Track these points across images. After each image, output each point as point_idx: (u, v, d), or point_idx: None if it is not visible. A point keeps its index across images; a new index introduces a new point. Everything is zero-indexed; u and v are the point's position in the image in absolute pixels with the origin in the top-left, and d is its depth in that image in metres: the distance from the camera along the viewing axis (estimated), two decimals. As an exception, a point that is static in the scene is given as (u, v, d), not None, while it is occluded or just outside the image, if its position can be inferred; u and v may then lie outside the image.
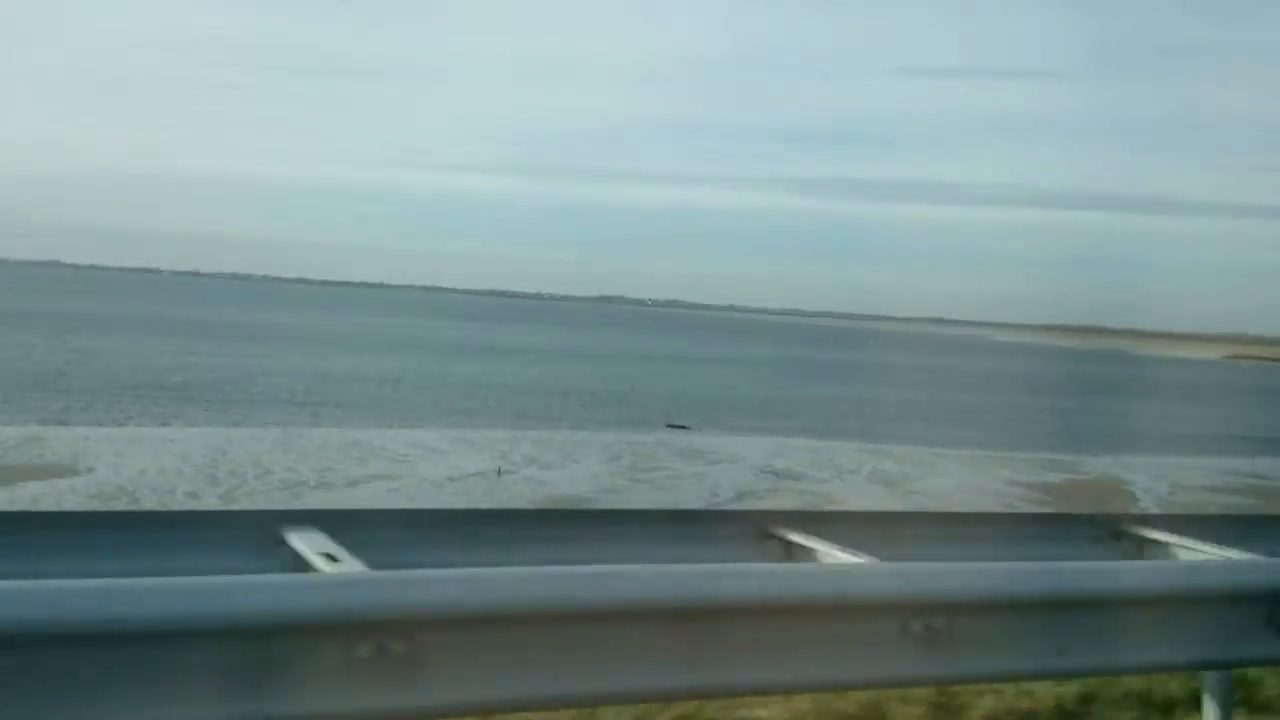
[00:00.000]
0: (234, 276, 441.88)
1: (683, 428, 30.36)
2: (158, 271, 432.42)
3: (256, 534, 3.66)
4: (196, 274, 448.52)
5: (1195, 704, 4.74)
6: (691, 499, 18.57)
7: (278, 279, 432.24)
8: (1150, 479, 23.67)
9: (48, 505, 15.35)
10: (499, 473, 20.35)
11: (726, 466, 22.82)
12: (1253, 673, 5.14)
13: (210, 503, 16.31)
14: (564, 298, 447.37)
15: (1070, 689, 5.13)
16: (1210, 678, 4.52)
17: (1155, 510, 19.56)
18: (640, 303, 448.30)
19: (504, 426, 28.61)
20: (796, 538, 4.18)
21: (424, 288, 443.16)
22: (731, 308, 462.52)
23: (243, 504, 15.68)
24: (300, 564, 3.42)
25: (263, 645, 2.75)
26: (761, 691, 3.98)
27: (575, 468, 21.79)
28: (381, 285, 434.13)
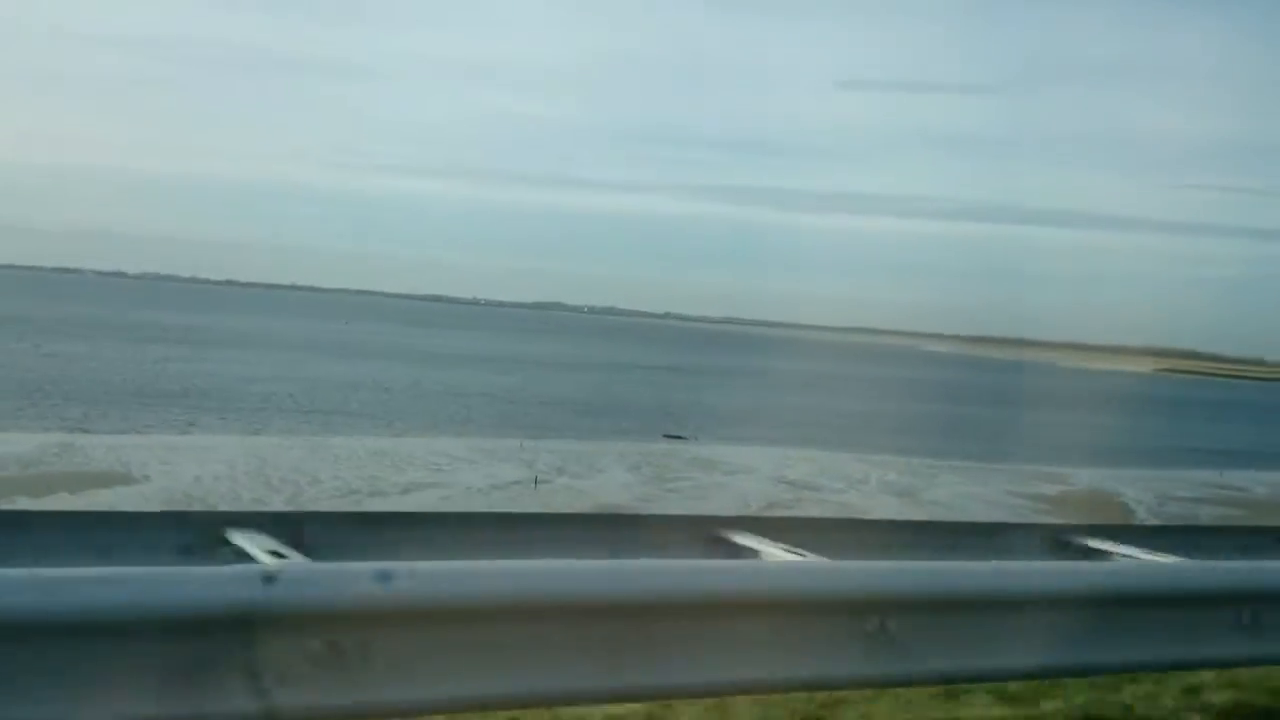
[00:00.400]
0: (159, 277, 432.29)
1: (679, 438, 31.23)
2: (79, 271, 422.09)
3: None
4: (120, 274, 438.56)
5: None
6: (728, 507, 19.43)
7: (206, 280, 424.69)
8: (1139, 491, 25.08)
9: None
10: (535, 482, 21.06)
11: (743, 477, 23.76)
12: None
13: (277, 507, 16.82)
14: (500, 303, 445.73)
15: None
16: None
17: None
18: (577, 309, 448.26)
19: (509, 435, 29.19)
20: (1094, 543, 5.10)
21: (359, 291, 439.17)
22: (668, 315, 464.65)
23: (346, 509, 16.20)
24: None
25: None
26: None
27: (602, 477, 22.56)
28: (314, 289, 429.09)
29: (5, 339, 47.84)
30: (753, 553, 4.20)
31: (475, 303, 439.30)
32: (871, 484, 23.85)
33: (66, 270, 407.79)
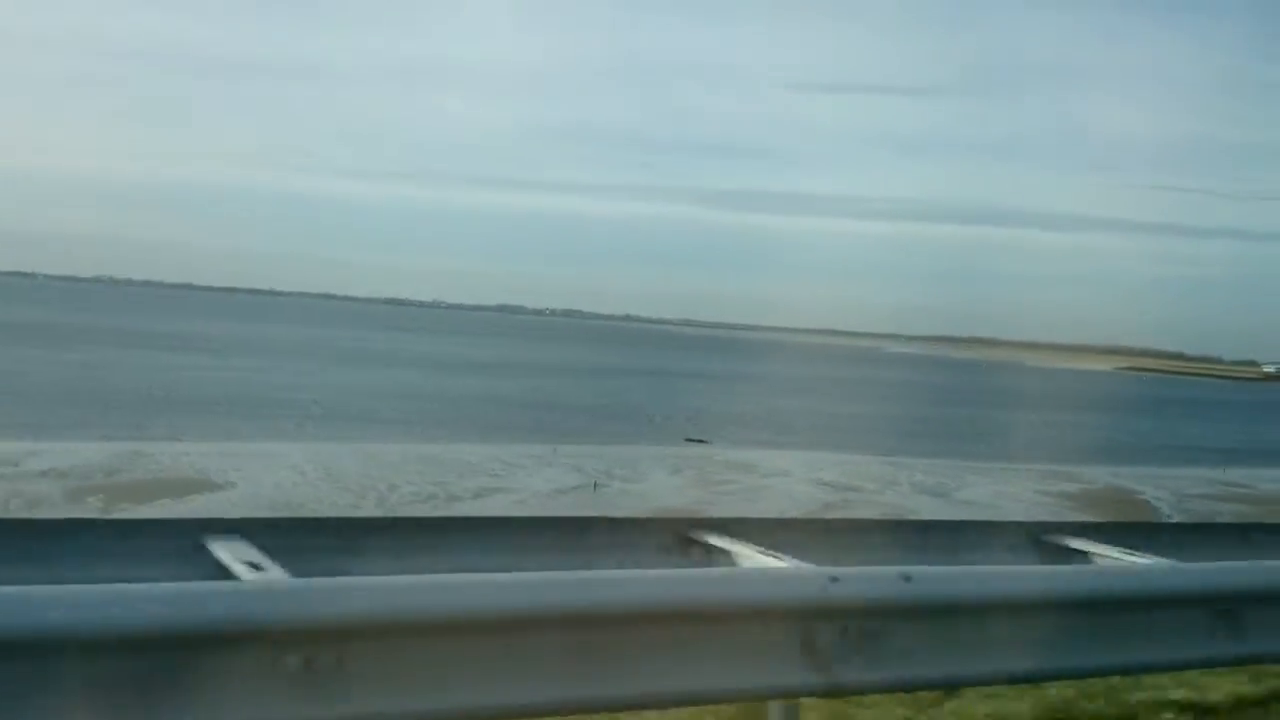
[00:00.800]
0: (114, 281, 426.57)
1: (701, 441, 32.11)
2: (34, 275, 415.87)
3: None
4: (74, 278, 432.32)
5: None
6: (790, 508, 20.37)
7: (161, 284, 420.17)
8: (1153, 489, 26.32)
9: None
10: (595, 486, 21.88)
11: (782, 479, 24.69)
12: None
13: (370, 511, 17.50)
14: (461, 306, 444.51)
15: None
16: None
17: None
18: (539, 312, 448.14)
19: (536, 440, 29.90)
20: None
21: (318, 295, 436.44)
22: (628, 317, 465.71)
23: (421, 511, 16.89)
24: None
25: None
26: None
27: (651, 480, 23.40)
28: (272, 292, 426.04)
29: (19, 347, 47.84)
30: (1083, 555, 4.89)
31: (437, 306, 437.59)
32: (904, 485, 24.88)
33: (21, 274, 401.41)
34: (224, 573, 3.25)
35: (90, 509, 15.49)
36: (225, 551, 3.32)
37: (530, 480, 22.10)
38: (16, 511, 15.44)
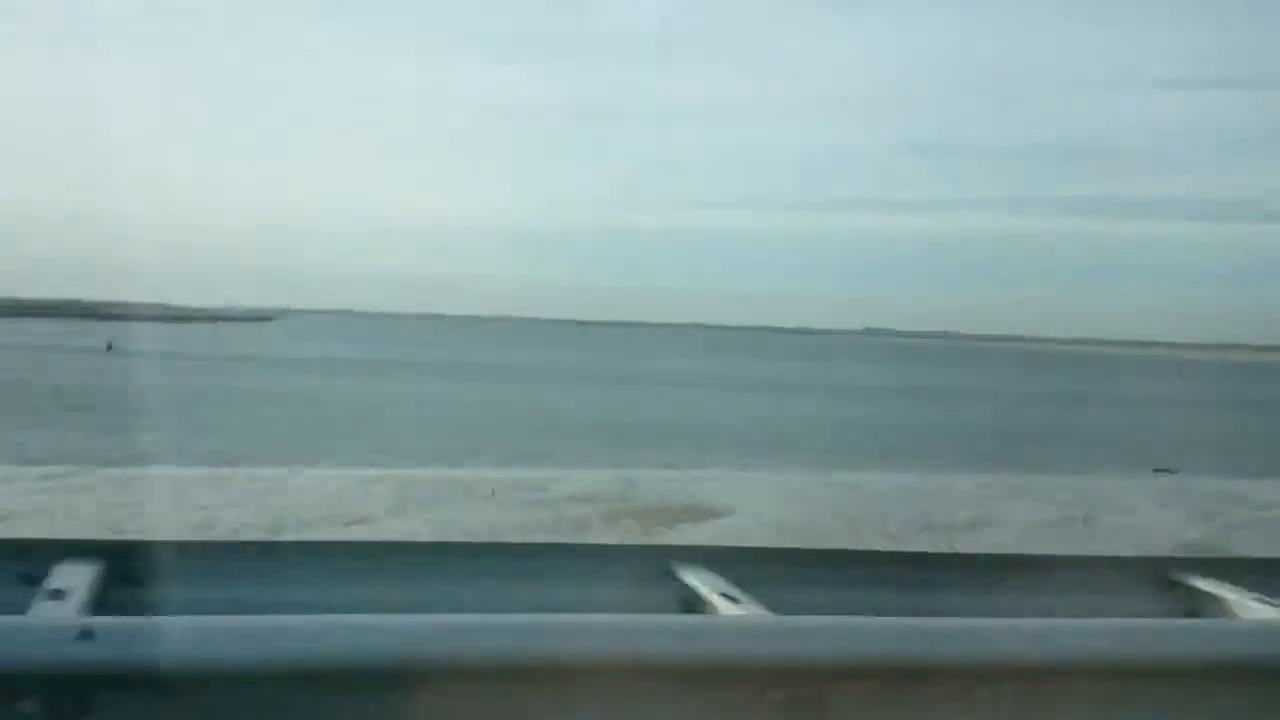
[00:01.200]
0: (514, 320, 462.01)
1: (1170, 471, 29.98)
2: (441, 316, 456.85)
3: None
4: (477, 318, 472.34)
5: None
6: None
7: (569, 321, 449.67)
8: None
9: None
10: (1084, 520, 20.90)
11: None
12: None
13: (918, 544, 17.54)
14: (827, 331, 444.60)
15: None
16: None
17: None
18: (906, 334, 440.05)
19: (991, 470, 29.02)
20: None
21: (695, 325, 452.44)
22: (1009, 337, 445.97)
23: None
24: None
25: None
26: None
27: (1144, 514, 21.97)
28: (644, 324, 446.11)
29: (518, 385, 53.20)
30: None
31: (803, 331, 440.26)
32: None
33: (428, 315, 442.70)
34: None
35: (630, 531, 16.60)
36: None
37: (1009, 512, 21.39)
38: (555, 537, 16.76)
